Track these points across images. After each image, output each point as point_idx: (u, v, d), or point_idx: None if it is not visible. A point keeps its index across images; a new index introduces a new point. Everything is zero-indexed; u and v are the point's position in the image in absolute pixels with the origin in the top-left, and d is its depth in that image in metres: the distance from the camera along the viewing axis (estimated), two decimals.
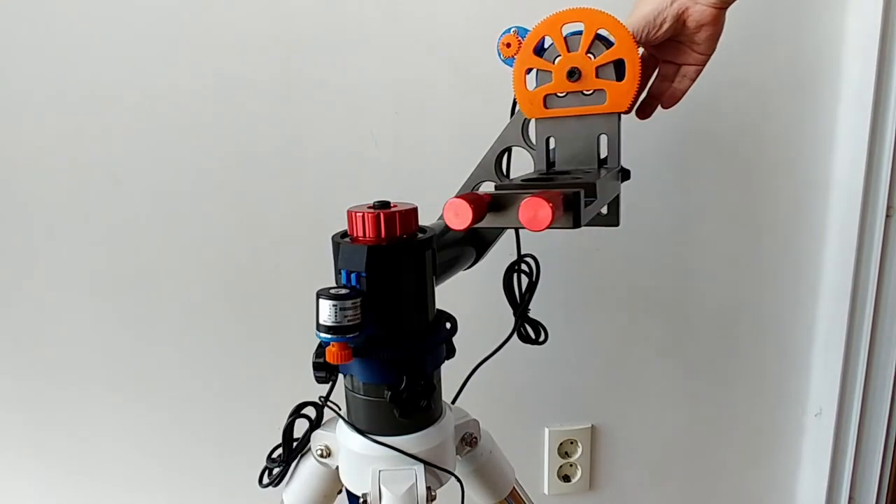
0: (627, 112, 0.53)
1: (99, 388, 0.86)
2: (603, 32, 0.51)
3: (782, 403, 0.99)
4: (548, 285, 0.88)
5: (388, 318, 0.50)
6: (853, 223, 0.89)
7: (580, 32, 0.51)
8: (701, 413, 0.98)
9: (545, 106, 0.53)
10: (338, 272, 0.50)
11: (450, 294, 0.58)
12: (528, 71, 0.54)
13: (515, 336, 0.65)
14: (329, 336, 0.46)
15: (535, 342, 0.65)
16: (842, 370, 0.94)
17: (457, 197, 0.41)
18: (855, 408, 0.96)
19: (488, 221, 0.43)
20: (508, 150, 0.59)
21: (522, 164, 0.60)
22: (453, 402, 0.62)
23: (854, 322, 0.93)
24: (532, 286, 0.63)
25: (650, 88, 0.61)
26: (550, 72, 0.52)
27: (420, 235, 0.54)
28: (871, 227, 0.89)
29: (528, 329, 0.65)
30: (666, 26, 0.55)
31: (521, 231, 0.63)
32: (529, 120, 0.57)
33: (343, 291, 0.47)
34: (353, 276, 0.49)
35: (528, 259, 0.63)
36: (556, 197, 0.40)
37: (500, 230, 0.61)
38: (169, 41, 0.75)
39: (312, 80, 0.78)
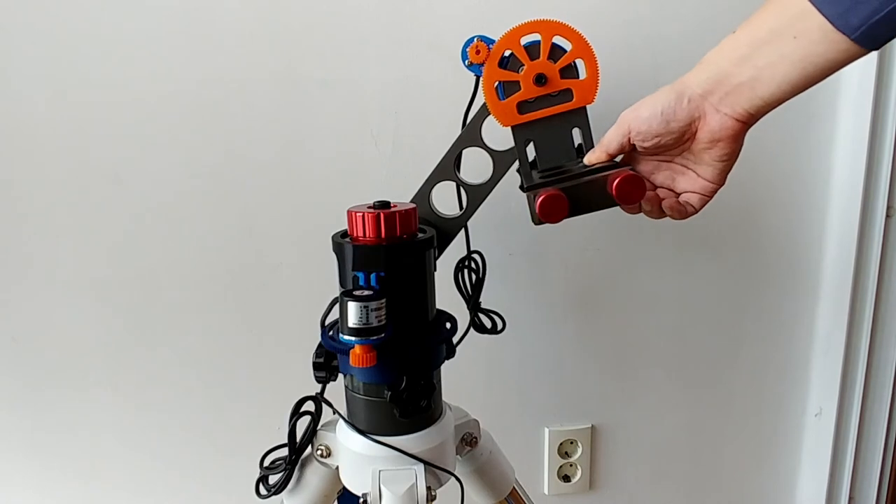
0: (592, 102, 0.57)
1: (99, 389, 0.86)
2: (557, 41, 0.55)
3: (782, 403, 0.99)
4: (548, 285, 0.88)
5: (398, 318, 0.50)
6: (853, 223, 0.89)
7: (538, 42, 0.54)
8: (701, 413, 0.98)
9: (519, 112, 0.56)
10: (353, 274, 0.50)
11: None
12: (497, 84, 0.56)
13: (474, 330, 0.68)
14: (355, 339, 0.46)
15: (492, 332, 0.68)
16: (842, 370, 0.94)
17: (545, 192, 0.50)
18: (855, 408, 0.96)
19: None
20: (460, 153, 0.63)
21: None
22: None
23: (854, 322, 0.93)
24: (480, 281, 0.67)
25: (651, 211, 0.53)
26: (518, 81, 0.55)
27: (420, 235, 0.54)
28: (871, 227, 0.89)
29: (481, 319, 0.68)
30: (675, 126, 0.47)
31: (470, 228, 0.65)
32: (482, 123, 0.60)
33: (367, 293, 0.47)
34: (371, 276, 0.49)
35: (475, 256, 0.67)
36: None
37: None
38: (169, 41, 0.75)
39: (312, 80, 0.78)
